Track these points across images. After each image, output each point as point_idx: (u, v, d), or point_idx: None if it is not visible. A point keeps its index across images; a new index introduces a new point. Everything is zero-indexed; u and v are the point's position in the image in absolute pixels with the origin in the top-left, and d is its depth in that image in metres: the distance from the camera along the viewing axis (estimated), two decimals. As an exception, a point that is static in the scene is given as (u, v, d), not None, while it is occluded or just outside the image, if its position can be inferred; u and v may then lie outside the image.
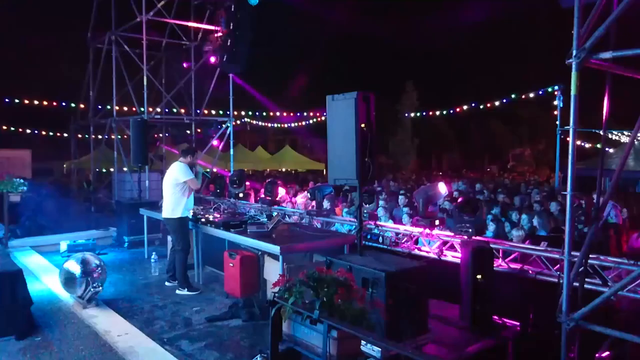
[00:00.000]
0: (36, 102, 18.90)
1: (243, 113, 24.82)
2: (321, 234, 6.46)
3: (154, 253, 8.48)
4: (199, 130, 13.76)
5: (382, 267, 3.94)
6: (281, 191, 10.53)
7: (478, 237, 5.06)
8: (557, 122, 15.64)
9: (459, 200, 5.36)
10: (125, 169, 12.60)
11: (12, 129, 22.16)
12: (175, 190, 6.92)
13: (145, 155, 10.20)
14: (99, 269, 6.22)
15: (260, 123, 27.47)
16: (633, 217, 8.92)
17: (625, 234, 7.56)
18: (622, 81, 3.95)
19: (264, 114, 26.34)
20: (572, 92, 3.56)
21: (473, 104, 22.38)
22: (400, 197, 10.17)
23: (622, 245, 7.05)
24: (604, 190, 4.31)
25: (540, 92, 18.65)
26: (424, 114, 27.52)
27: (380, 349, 3.55)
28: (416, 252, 5.67)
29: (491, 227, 7.04)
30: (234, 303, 6.15)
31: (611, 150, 17.06)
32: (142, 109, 11.15)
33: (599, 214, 3.89)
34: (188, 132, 13.71)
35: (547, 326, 3.95)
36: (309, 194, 9.86)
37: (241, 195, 8.79)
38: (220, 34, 10.80)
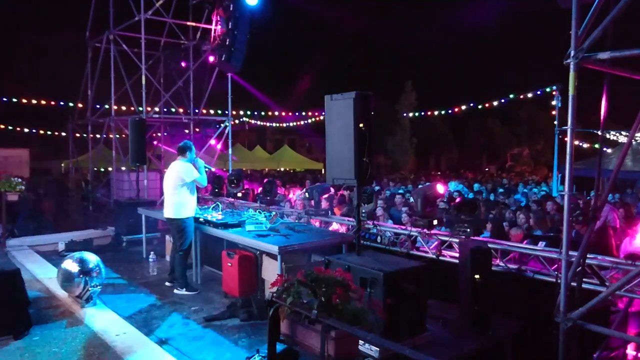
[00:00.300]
0: (34, 101, 18.86)
1: (242, 112, 24.80)
2: (319, 234, 6.46)
3: (152, 252, 8.49)
4: (197, 130, 13.73)
5: (380, 267, 3.94)
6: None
7: (476, 237, 5.07)
8: (555, 122, 15.68)
9: (457, 200, 5.37)
10: (123, 168, 12.57)
11: (10, 128, 22.11)
12: (180, 190, 6.84)
13: (143, 154, 10.18)
14: (97, 268, 6.21)
15: (258, 122, 27.44)
16: (630, 218, 8.91)
17: (621, 236, 7.56)
18: (619, 81, 3.96)
19: (263, 113, 26.32)
20: (570, 93, 3.56)
21: (471, 104, 22.41)
22: (397, 197, 10.20)
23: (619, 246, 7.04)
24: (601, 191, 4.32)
25: (539, 92, 18.69)
26: (423, 114, 27.54)
27: (378, 349, 3.55)
28: (414, 252, 5.67)
29: (489, 226, 7.06)
30: (232, 303, 6.15)
31: (609, 151, 17.09)
32: (141, 108, 11.13)
33: (597, 213, 3.90)
34: (186, 131, 13.69)
35: (545, 326, 3.96)
36: (306, 193, 9.86)
37: (239, 194, 8.79)
38: (218, 33, 10.79)
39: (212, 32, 11.02)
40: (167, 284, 7.21)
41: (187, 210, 6.91)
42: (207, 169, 7.37)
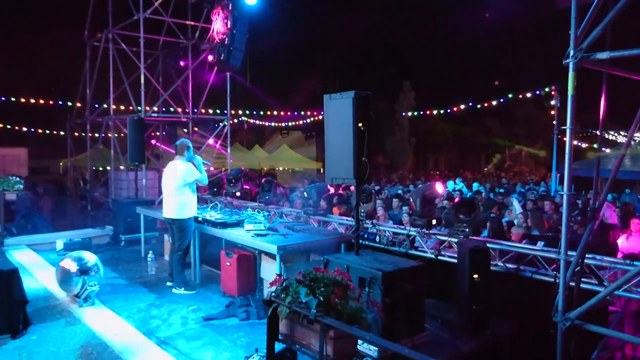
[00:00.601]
0: (32, 100, 18.83)
1: (240, 112, 24.77)
2: (318, 233, 6.46)
3: (150, 252, 8.47)
4: (195, 129, 13.72)
5: (379, 266, 3.95)
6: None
7: (475, 237, 5.08)
8: (554, 122, 15.72)
9: (456, 200, 5.37)
10: (122, 167, 12.55)
11: (9, 127, 22.05)
12: (182, 190, 6.82)
13: (142, 153, 10.17)
14: (96, 267, 6.21)
15: (257, 122, 27.42)
16: (629, 217, 8.91)
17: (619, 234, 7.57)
18: (618, 81, 3.96)
19: (262, 112, 26.30)
20: (569, 93, 3.57)
21: (470, 104, 22.43)
22: (394, 200, 10.18)
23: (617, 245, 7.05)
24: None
25: (538, 92, 18.71)
26: (422, 113, 27.57)
27: (377, 349, 3.55)
28: (413, 251, 5.67)
29: (488, 226, 7.06)
30: (231, 302, 6.15)
31: (607, 150, 17.10)
32: (139, 108, 11.12)
33: (596, 213, 3.91)
34: (185, 130, 13.68)
35: (543, 326, 3.97)
36: (305, 193, 9.83)
37: (238, 194, 8.79)
38: (217, 32, 10.78)
39: (211, 31, 11.01)
40: (168, 283, 7.18)
41: (189, 211, 6.92)
42: (205, 165, 7.36)
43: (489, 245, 4.79)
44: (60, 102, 18.71)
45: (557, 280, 3.80)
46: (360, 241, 5.13)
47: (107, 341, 5.08)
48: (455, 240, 5.14)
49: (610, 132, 19.46)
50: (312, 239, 6.08)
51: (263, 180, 9.21)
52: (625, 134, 4.21)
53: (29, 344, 5.06)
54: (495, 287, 4.43)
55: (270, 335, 3.73)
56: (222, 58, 10.53)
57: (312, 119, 26.47)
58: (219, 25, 10.57)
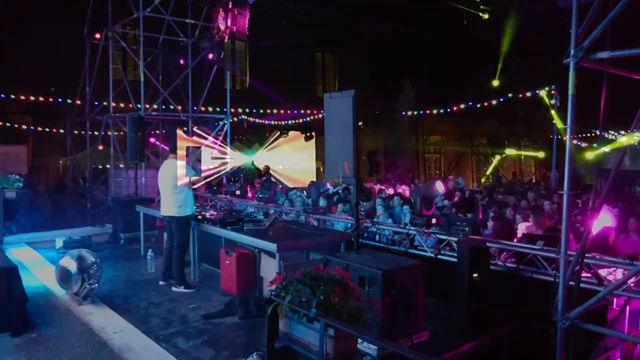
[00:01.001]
0: (32, 98, 18.77)
1: (240, 110, 24.71)
2: (318, 232, 6.46)
3: (150, 250, 8.47)
4: (195, 128, 13.68)
5: (378, 265, 3.94)
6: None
7: (476, 237, 5.08)
8: (554, 122, 15.72)
9: (456, 199, 5.37)
10: (121, 165, 12.53)
11: (8, 124, 21.98)
12: (180, 188, 6.87)
13: (141, 151, 10.16)
14: (95, 265, 6.20)
15: (257, 120, 27.37)
16: (627, 216, 8.90)
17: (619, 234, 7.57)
18: (617, 81, 3.96)
19: (262, 111, 26.25)
20: (570, 92, 3.56)
21: (470, 104, 22.40)
22: (395, 197, 10.19)
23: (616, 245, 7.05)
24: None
25: (537, 92, 18.67)
26: (421, 113, 27.54)
27: (376, 347, 3.56)
28: (413, 250, 5.67)
29: (490, 225, 7.06)
30: (230, 300, 6.15)
31: (607, 150, 17.08)
32: (139, 106, 11.11)
33: (595, 213, 3.91)
34: (185, 129, 13.65)
35: (543, 325, 3.97)
36: (305, 192, 9.83)
37: (238, 192, 8.79)
38: (217, 30, 10.76)
39: (211, 29, 11.00)
40: (160, 283, 7.18)
41: (188, 208, 6.94)
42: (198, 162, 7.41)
43: (488, 244, 4.79)
44: (59, 100, 18.65)
45: (557, 280, 3.80)
46: (360, 240, 5.13)
47: (107, 339, 5.08)
48: (455, 239, 5.14)
49: (611, 132, 19.44)
50: (311, 237, 6.08)
51: (262, 179, 9.20)
52: (626, 134, 4.21)
53: (28, 342, 5.06)
54: (495, 286, 4.43)
55: (270, 333, 3.74)
56: (222, 56, 10.52)
57: (311, 117, 26.44)
58: (219, 23, 10.56)
